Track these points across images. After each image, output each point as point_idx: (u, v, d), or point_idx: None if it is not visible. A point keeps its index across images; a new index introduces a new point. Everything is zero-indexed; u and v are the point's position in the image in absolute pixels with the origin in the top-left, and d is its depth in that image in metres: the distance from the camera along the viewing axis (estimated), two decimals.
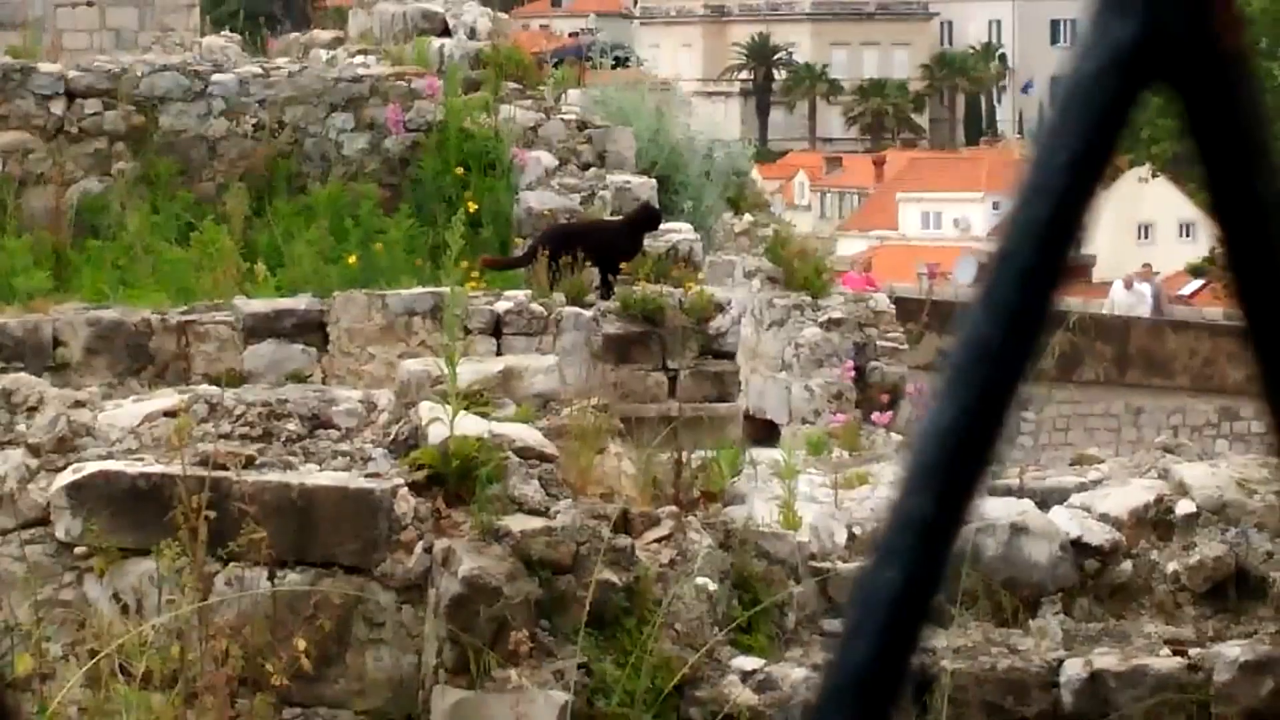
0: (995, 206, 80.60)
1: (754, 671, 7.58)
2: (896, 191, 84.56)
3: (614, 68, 19.00)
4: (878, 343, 16.73)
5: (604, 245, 13.29)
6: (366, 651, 7.75)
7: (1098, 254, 46.59)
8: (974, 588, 7.84)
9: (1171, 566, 8.07)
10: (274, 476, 7.85)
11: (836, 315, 16.81)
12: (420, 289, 12.91)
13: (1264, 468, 8.41)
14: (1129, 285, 31.44)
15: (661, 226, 14.08)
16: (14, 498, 7.97)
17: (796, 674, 7.55)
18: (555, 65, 19.55)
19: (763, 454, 10.08)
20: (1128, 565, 8.11)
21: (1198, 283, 51.35)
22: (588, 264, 13.00)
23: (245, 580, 7.69)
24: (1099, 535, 8.11)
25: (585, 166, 16.06)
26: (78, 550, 7.86)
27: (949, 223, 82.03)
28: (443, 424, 7.86)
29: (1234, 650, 7.68)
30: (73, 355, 12.10)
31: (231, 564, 7.68)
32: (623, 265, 13.31)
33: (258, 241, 15.46)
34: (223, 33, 23.45)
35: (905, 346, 17.10)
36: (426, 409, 8.09)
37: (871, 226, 79.75)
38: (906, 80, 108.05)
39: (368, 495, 7.78)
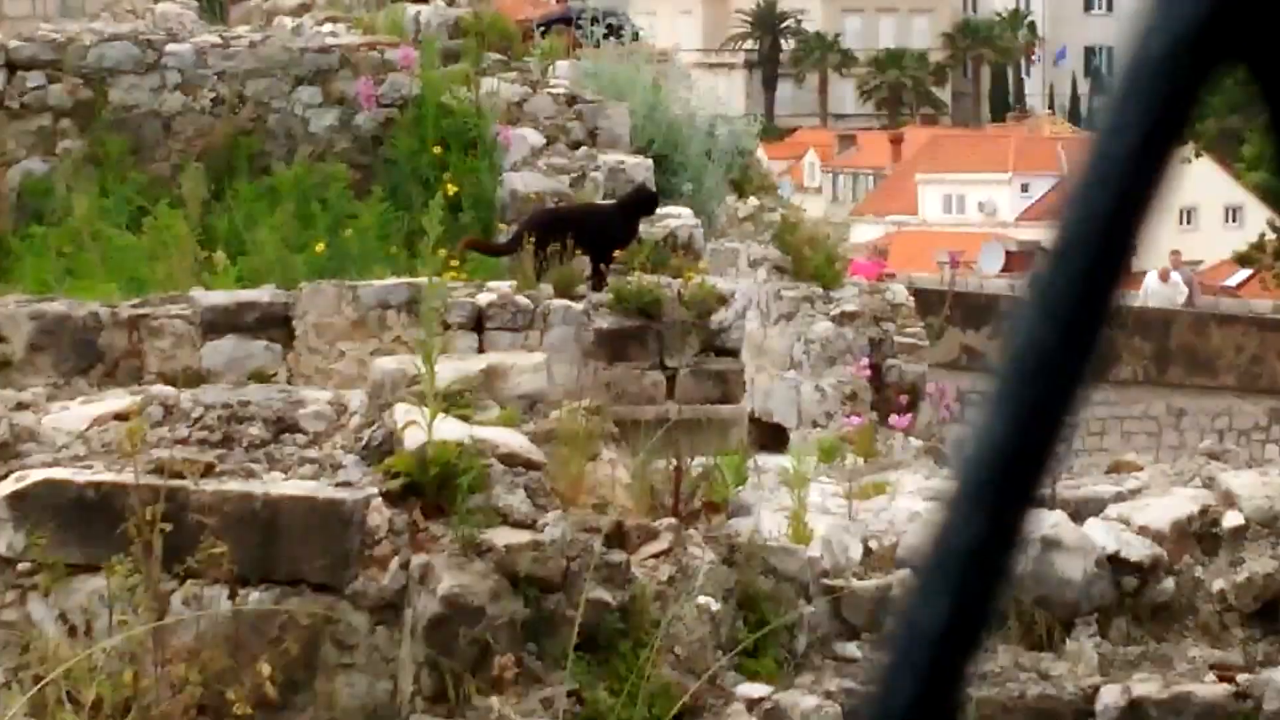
0: (1023, 189, 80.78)
1: (761, 699, 7.59)
2: (915, 172, 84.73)
3: (605, 38, 19.00)
4: (895, 338, 16.75)
5: (596, 231, 13.28)
6: (337, 677, 7.75)
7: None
8: (1002, 608, 7.84)
9: (1217, 584, 8.08)
10: (235, 486, 7.85)
11: (850, 308, 16.83)
12: (395, 280, 12.90)
13: None
14: (1164, 277, 31.06)
15: (659, 211, 14.09)
16: None
17: (807, 702, 7.56)
18: (542, 34, 19.56)
19: (770, 461, 10.09)
20: (1169, 583, 8.12)
21: (1245, 272, 51.42)
22: (578, 252, 12.99)
23: (204, 599, 7.69)
24: (1138, 550, 8.11)
25: (575, 145, 16.06)
26: (20, 566, 7.86)
27: (973, 206, 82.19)
28: (420, 428, 7.86)
29: None
30: (14, 352, 12.09)
31: (189, 581, 7.68)
32: (616, 253, 13.31)
33: (216, 227, 15.44)
34: None
35: (925, 343, 17.13)
36: (402, 411, 8.09)
37: (888, 211, 79.89)
38: (926, 50, 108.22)
39: (338, 506, 7.78)
